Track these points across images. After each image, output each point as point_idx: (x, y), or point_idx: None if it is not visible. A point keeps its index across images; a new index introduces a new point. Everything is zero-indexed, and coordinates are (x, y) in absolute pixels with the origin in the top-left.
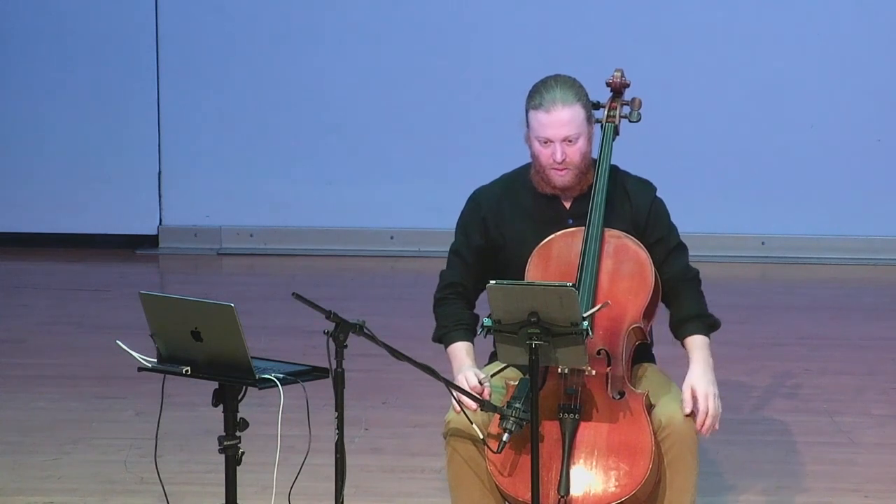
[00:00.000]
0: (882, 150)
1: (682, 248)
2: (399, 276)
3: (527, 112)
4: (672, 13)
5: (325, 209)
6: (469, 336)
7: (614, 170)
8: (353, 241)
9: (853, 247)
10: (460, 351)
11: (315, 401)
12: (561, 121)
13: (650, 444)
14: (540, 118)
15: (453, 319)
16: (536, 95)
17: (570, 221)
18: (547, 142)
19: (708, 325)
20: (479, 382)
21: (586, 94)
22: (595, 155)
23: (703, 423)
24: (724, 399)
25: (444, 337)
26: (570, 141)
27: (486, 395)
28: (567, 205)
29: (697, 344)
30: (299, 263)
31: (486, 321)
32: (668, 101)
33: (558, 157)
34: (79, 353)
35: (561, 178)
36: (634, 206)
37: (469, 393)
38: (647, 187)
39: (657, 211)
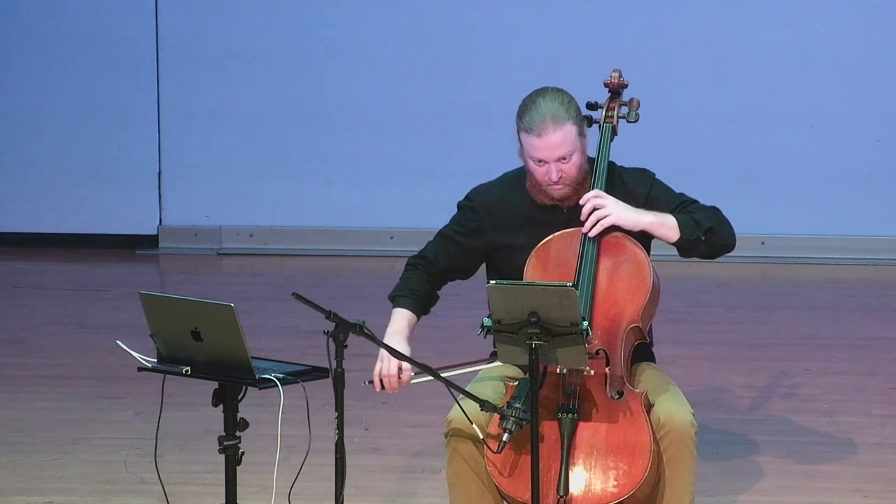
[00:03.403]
0: (882, 150)
1: (694, 201)
2: (399, 276)
3: (518, 131)
4: (671, 13)
5: (325, 209)
6: (416, 307)
7: (611, 166)
8: (353, 241)
9: (853, 247)
10: (400, 318)
11: (315, 401)
12: (553, 143)
13: (649, 444)
14: (532, 142)
15: (410, 286)
16: (526, 116)
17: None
18: (541, 161)
19: (694, 221)
20: (399, 375)
21: (576, 107)
22: (593, 154)
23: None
24: (724, 399)
25: (394, 298)
26: (564, 159)
27: (404, 381)
28: (565, 209)
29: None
30: (299, 263)
31: (486, 321)
32: (667, 101)
33: (553, 177)
34: (79, 353)
35: (558, 191)
36: (635, 197)
37: (470, 393)
38: (644, 175)
39: (658, 190)
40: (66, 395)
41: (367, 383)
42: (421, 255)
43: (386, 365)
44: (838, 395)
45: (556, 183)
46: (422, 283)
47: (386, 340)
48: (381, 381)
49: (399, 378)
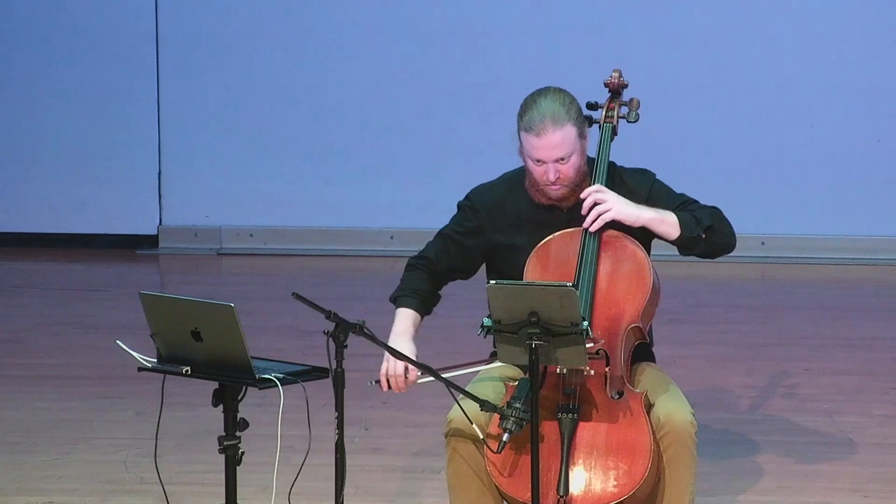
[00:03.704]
0: (882, 150)
1: (694, 201)
2: (399, 277)
3: (518, 130)
4: (671, 13)
5: (325, 209)
6: (419, 306)
7: (611, 166)
8: (353, 241)
9: (853, 247)
10: (404, 317)
11: (315, 401)
12: (552, 143)
13: (649, 444)
14: (531, 141)
15: (412, 286)
16: (526, 116)
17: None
18: (539, 161)
19: (695, 219)
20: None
21: (577, 108)
22: (593, 154)
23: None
24: (724, 399)
25: (397, 299)
26: (562, 160)
27: (411, 380)
28: (565, 209)
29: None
30: (299, 263)
31: (486, 321)
32: (667, 101)
33: (551, 177)
34: (79, 353)
35: (556, 191)
36: (636, 197)
37: (470, 394)
38: (644, 175)
39: (658, 191)
40: (66, 395)
41: (373, 383)
42: (422, 256)
43: (392, 365)
44: (838, 395)
45: (553, 183)
46: (424, 282)
47: (391, 341)
48: (387, 380)
49: (405, 378)
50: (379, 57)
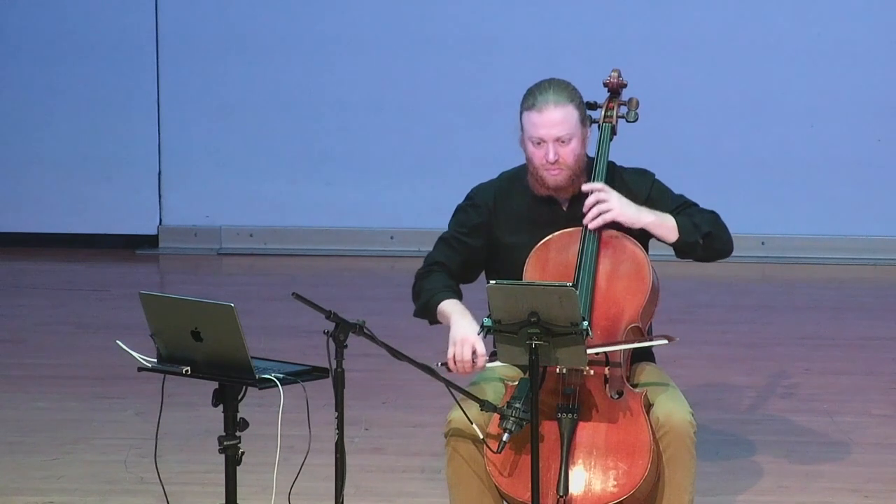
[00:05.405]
0: (882, 150)
1: (693, 203)
2: (399, 276)
3: (521, 114)
4: (671, 13)
5: (325, 209)
6: (457, 297)
7: (611, 166)
8: (353, 241)
9: (853, 247)
10: (454, 303)
11: (315, 401)
12: (553, 120)
13: (649, 444)
14: (532, 118)
15: (440, 284)
16: (529, 97)
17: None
18: (540, 142)
19: (693, 224)
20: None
21: (580, 97)
22: (592, 154)
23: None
24: (724, 399)
25: (430, 300)
26: (562, 141)
27: (479, 366)
28: (565, 207)
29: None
30: (299, 263)
31: (486, 321)
32: (667, 100)
33: (551, 157)
34: (79, 353)
35: (554, 178)
36: (635, 198)
37: (470, 394)
38: (644, 175)
39: (658, 192)
40: (66, 395)
41: (439, 365)
42: (433, 262)
43: (459, 350)
44: (838, 395)
45: (552, 166)
46: (448, 279)
47: (455, 324)
48: (454, 363)
49: (473, 363)
50: (379, 57)
